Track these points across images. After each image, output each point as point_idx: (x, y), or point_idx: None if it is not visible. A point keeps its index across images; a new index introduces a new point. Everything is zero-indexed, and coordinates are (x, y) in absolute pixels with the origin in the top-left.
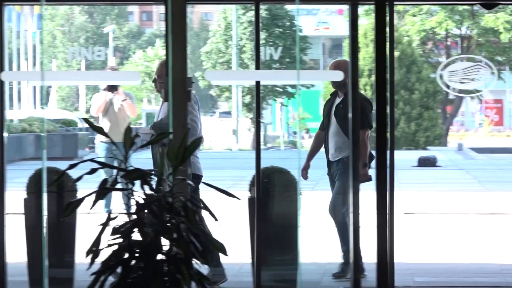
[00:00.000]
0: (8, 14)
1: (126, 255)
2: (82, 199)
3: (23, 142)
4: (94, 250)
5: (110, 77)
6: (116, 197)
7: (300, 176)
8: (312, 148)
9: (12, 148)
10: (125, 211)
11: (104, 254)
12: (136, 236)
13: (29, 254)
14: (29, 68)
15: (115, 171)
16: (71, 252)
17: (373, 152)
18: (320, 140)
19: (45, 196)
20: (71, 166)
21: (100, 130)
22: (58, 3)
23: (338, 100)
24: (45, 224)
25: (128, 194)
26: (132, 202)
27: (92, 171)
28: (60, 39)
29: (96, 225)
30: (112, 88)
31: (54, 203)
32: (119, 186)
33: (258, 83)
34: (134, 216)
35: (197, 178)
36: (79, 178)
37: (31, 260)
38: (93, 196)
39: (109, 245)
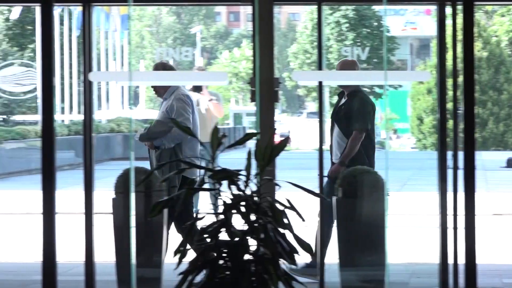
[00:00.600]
0: (97, 15)
1: (214, 255)
2: (170, 199)
3: (111, 142)
4: (181, 250)
5: (198, 77)
6: (204, 197)
7: (388, 177)
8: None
9: (100, 148)
10: (212, 211)
11: (191, 254)
12: (223, 236)
13: (117, 253)
14: (117, 68)
15: (202, 171)
16: (159, 252)
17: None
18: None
19: (133, 196)
20: (159, 166)
21: (187, 131)
22: (146, 3)
23: (342, 101)
24: (133, 223)
25: (215, 194)
26: (220, 202)
27: (180, 171)
28: (148, 40)
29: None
30: (197, 89)
31: (142, 203)
32: (206, 186)
33: (320, 83)
34: (222, 216)
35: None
36: (167, 178)
37: (119, 260)
38: (181, 196)
39: (197, 245)
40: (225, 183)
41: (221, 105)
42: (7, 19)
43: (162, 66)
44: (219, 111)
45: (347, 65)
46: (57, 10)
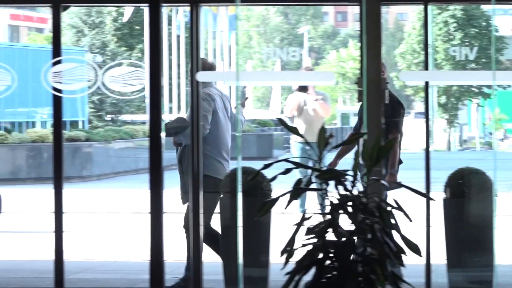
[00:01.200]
0: (205, 15)
1: (321, 255)
2: (276, 199)
3: None
4: (288, 250)
5: (305, 77)
6: (311, 197)
7: (496, 177)
8: (343, 148)
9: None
10: (319, 211)
11: (298, 254)
12: (330, 236)
13: (224, 253)
14: (224, 68)
15: (309, 171)
16: (266, 252)
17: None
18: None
19: (239, 196)
20: (266, 166)
21: (294, 131)
22: (253, 4)
23: None
24: (239, 223)
25: (322, 194)
26: (326, 202)
27: (287, 171)
28: (256, 40)
29: (290, 225)
30: (303, 89)
31: (249, 202)
32: (313, 186)
33: (427, 83)
34: (329, 216)
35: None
36: (274, 178)
37: (226, 259)
38: (288, 196)
39: (304, 245)
40: (332, 183)
41: (328, 105)
42: (115, 20)
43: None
44: (326, 111)
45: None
46: (165, 11)
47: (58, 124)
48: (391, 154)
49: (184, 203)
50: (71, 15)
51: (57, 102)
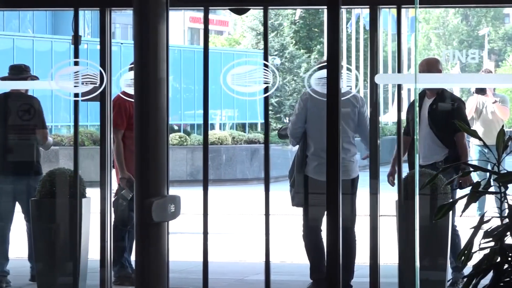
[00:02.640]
0: (384, 17)
1: (498, 259)
2: (455, 202)
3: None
4: (466, 253)
5: (485, 80)
6: (489, 200)
7: None
8: (399, 152)
9: (386, 150)
10: (497, 215)
11: (476, 257)
12: (509, 240)
13: (400, 256)
14: (403, 71)
15: (488, 174)
16: (443, 255)
17: None
18: (406, 146)
19: (417, 198)
20: (444, 169)
21: (474, 133)
22: (433, 6)
23: (429, 101)
24: (417, 226)
25: (500, 197)
26: (505, 205)
27: (465, 174)
28: (434, 42)
29: (468, 228)
30: (481, 91)
31: (427, 205)
32: (492, 189)
33: None
34: (507, 220)
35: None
36: (452, 181)
37: (402, 262)
38: (466, 199)
39: (481, 249)
40: (511, 186)
41: (507, 107)
42: (292, 22)
43: None
44: (504, 113)
45: (431, 64)
46: (344, 12)
47: (267, 125)
48: (463, 153)
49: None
50: (250, 18)
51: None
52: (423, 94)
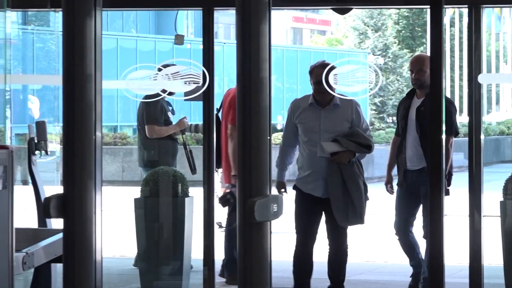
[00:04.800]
0: (488, 16)
1: None
2: None
3: (501, 145)
4: None
5: None
6: None
7: None
8: (392, 157)
9: (489, 150)
10: None
11: None
12: None
13: (505, 258)
14: (508, 71)
15: None
16: None
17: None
18: (394, 147)
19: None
20: None
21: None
22: None
23: (417, 102)
24: None
25: None
26: None
27: None
28: None
29: None
30: None
31: None
32: None
33: None
34: None
35: None
36: None
37: (508, 264)
38: None
39: None
40: None
41: None
42: (396, 23)
43: None
44: None
45: (420, 61)
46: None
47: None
48: (450, 155)
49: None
50: (353, 18)
51: None
52: (412, 92)
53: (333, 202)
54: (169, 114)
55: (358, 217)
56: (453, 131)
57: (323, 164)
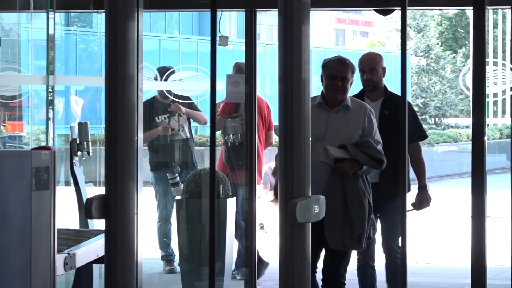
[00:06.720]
0: None
1: None
2: None
3: None
4: None
5: None
6: None
7: None
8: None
9: None
10: None
11: None
12: None
13: None
14: None
15: None
16: None
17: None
18: None
19: None
20: None
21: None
22: None
23: (376, 106)
24: None
25: None
26: None
27: None
28: None
29: None
30: None
31: None
32: None
33: None
34: None
35: None
36: None
37: None
38: None
39: None
40: None
41: None
42: (439, 24)
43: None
44: None
45: (372, 58)
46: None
47: None
48: (419, 165)
49: None
50: (395, 19)
51: None
52: (361, 94)
53: (326, 219)
54: (161, 117)
55: (355, 241)
56: (422, 135)
57: (324, 174)
